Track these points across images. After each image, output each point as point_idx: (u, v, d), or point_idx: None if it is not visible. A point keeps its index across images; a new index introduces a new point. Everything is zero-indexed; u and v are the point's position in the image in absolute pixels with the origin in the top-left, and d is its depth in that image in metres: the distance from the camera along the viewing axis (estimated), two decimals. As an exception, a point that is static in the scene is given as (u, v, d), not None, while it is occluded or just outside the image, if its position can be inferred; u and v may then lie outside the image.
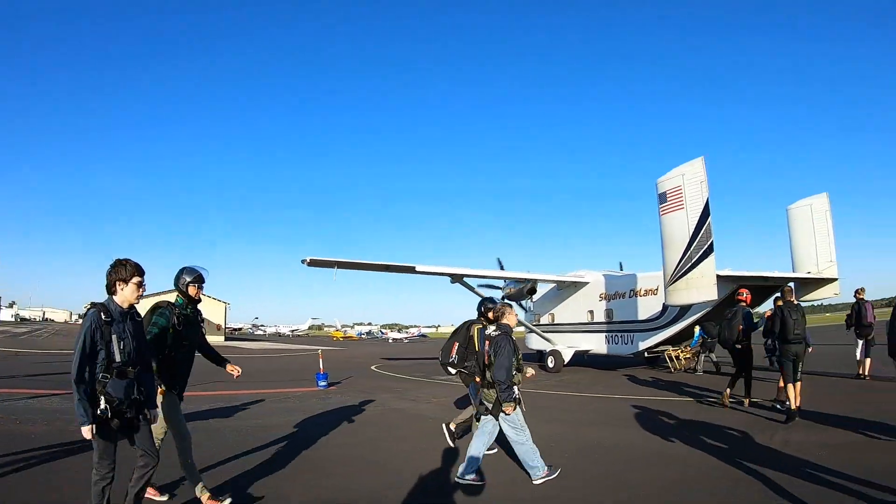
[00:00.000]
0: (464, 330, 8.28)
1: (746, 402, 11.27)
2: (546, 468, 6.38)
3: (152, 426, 4.68)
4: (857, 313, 14.87)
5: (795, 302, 10.92)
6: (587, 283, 22.07)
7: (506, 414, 6.40)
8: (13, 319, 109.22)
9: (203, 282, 5.74)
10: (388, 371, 23.22)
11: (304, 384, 17.22)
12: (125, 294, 4.45)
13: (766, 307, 16.31)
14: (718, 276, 15.05)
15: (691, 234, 14.74)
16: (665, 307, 17.85)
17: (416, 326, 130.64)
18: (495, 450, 7.61)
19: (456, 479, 6.43)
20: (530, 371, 7.33)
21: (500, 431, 6.68)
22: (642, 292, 19.52)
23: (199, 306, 5.84)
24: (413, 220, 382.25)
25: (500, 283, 24.70)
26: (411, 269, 18.88)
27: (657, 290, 18.17)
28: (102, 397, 4.11)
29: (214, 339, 58.52)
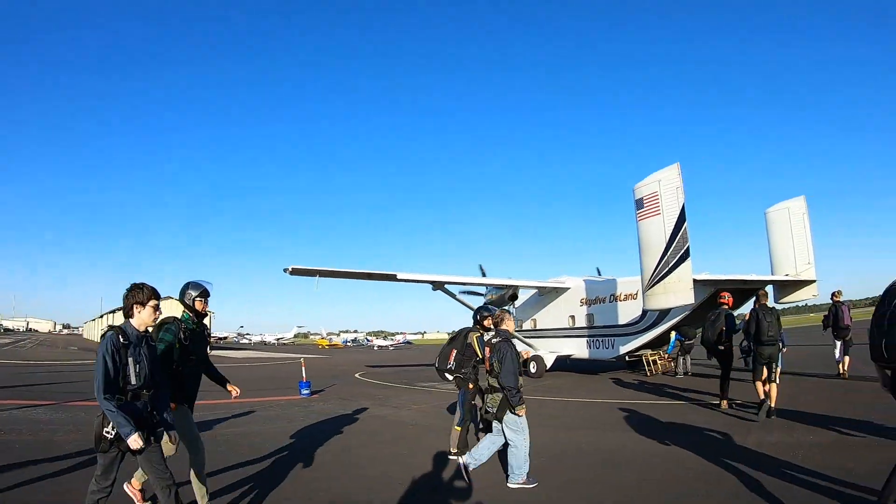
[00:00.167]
0: (461, 337, 8.47)
1: (724, 403, 11.54)
2: (526, 477, 6.51)
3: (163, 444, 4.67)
4: (835, 316, 15.13)
5: (770, 305, 11.20)
6: (568, 288, 22.27)
7: (518, 416, 6.57)
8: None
9: (208, 296, 5.76)
10: (372, 379, 23.21)
11: (288, 392, 17.22)
12: (142, 317, 4.52)
13: (748, 309, 16.55)
14: (696, 280, 15.27)
15: (668, 239, 14.95)
16: (644, 312, 18.02)
17: (401, 333, 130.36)
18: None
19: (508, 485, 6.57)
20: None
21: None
22: (622, 297, 19.71)
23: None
24: (396, 228, 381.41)
25: (482, 290, 24.82)
26: (392, 277, 18.94)
27: (636, 294, 18.34)
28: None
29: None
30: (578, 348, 21.38)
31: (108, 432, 4.17)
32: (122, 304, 4.56)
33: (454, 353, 8.40)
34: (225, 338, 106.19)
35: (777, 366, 10.96)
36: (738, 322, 12.10)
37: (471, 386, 8.25)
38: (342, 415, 12.50)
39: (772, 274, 18.69)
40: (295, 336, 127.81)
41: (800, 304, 24.71)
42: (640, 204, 15.77)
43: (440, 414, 12.37)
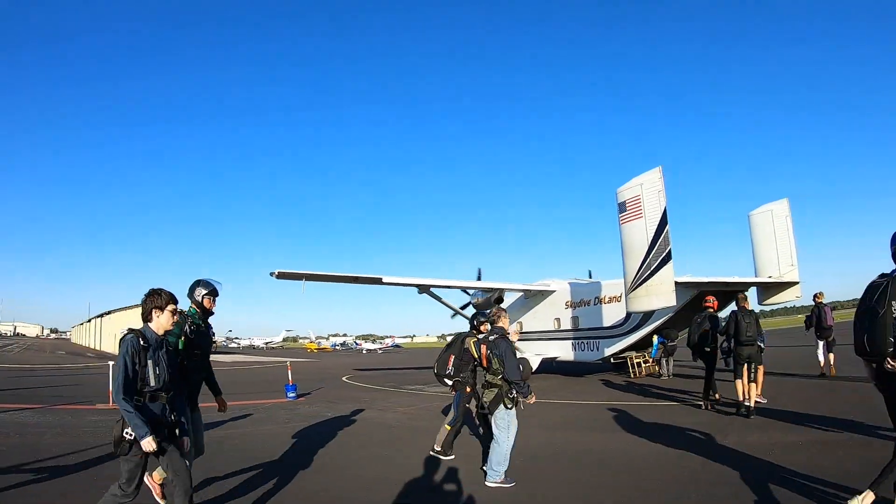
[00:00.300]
0: (458, 343, 8.68)
1: (704, 403, 11.80)
2: (505, 477, 6.63)
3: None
4: (818, 316, 15.37)
5: (748, 308, 11.47)
6: (553, 291, 22.43)
7: (529, 403, 6.86)
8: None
9: (217, 295, 5.92)
10: (359, 382, 23.23)
11: (274, 395, 17.22)
12: (161, 321, 4.60)
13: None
14: (679, 283, 15.47)
15: (650, 242, 15.12)
16: (629, 314, 18.20)
17: (390, 337, 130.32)
18: (452, 456, 7.90)
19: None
20: None
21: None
22: (606, 300, 19.88)
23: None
24: (382, 232, 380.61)
25: (469, 293, 24.96)
26: (378, 281, 19.03)
27: (621, 297, 18.45)
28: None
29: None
30: (564, 351, 21.53)
31: (127, 433, 4.22)
32: (140, 308, 4.65)
33: (452, 358, 8.59)
34: (214, 342, 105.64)
35: (758, 365, 11.18)
36: (723, 324, 12.33)
37: (468, 389, 8.43)
38: (327, 417, 12.58)
39: (755, 276, 18.86)
40: (284, 340, 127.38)
41: (788, 306, 24.88)
42: (622, 207, 15.93)
43: (425, 416, 12.47)
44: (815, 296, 15.64)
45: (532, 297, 23.23)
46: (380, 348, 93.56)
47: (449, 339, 9.41)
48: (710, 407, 11.60)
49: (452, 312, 24.47)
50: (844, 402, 11.02)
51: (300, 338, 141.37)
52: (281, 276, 18.32)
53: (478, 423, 8.79)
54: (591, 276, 24.70)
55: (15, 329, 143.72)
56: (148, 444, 4.16)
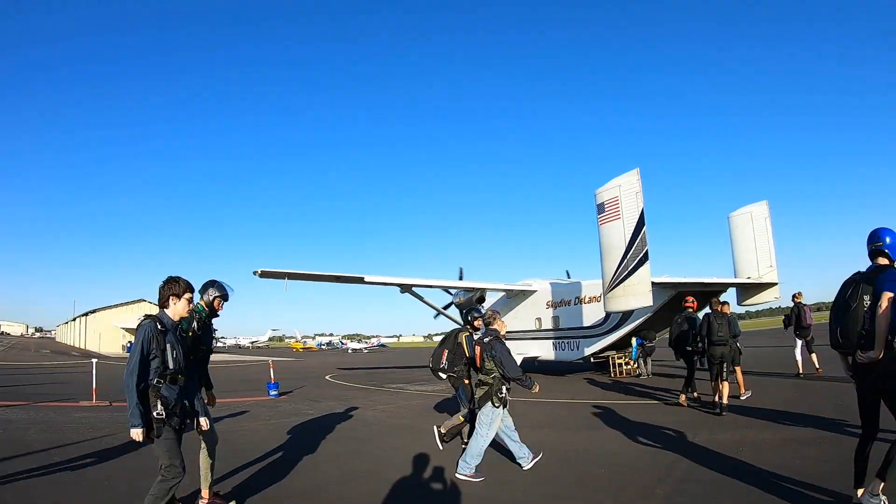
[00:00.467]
0: (452, 338, 9.02)
1: (682, 398, 12.11)
2: (475, 471, 6.81)
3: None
4: (797, 316, 15.56)
5: (722, 310, 11.89)
6: (535, 291, 22.60)
7: (533, 391, 7.24)
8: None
9: (227, 300, 6.19)
10: (342, 381, 23.35)
11: (257, 394, 17.33)
12: (177, 308, 4.80)
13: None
14: (656, 283, 15.71)
15: (627, 242, 15.31)
16: (608, 314, 18.37)
17: (376, 336, 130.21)
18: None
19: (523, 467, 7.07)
20: None
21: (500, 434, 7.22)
22: (587, 299, 20.07)
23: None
24: (363, 232, 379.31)
25: (451, 293, 25.10)
26: (360, 280, 19.11)
27: (600, 297, 18.56)
28: (158, 401, 4.42)
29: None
30: (545, 350, 21.72)
31: (158, 414, 4.39)
32: (158, 295, 4.82)
33: (446, 352, 8.91)
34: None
35: (733, 365, 11.71)
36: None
37: (466, 382, 8.73)
38: (307, 414, 12.71)
39: (734, 277, 19.11)
40: (270, 339, 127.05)
41: (773, 306, 25.10)
42: (601, 208, 16.12)
43: (405, 414, 12.65)
44: (793, 296, 15.85)
45: (514, 297, 23.38)
46: (365, 348, 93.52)
47: (436, 338, 9.69)
48: (688, 403, 11.87)
49: (435, 312, 24.59)
50: (819, 401, 11.23)
51: (286, 337, 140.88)
52: (264, 274, 18.38)
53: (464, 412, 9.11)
54: (569, 277, 24.88)
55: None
56: (136, 435, 4.32)
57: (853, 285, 4.92)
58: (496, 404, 7.00)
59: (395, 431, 10.29)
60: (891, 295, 4.60)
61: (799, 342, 15.79)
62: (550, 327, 21.60)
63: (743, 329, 16.72)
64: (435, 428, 8.58)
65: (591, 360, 20.60)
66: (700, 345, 11.93)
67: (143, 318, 4.60)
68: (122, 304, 79.16)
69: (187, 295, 4.84)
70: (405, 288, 20.78)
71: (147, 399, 4.40)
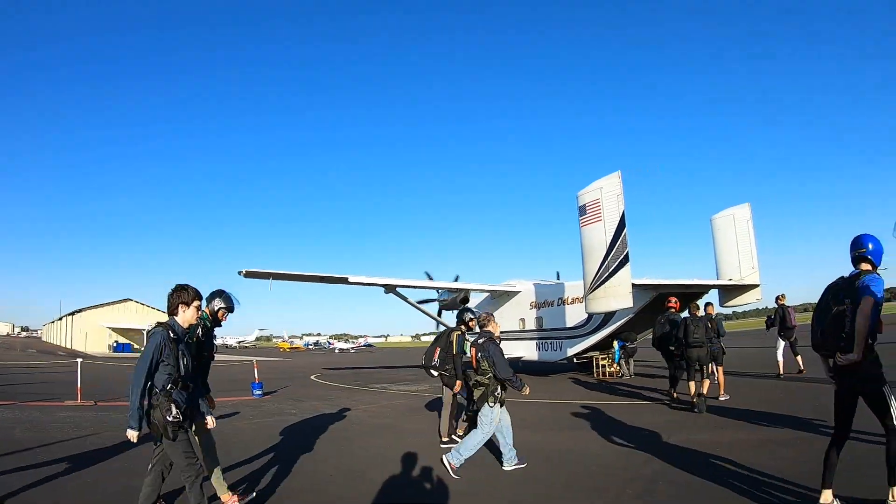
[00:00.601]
0: (444, 336, 9.33)
1: (674, 393, 12.60)
2: (459, 466, 7.00)
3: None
4: (782, 317, 15.80)
5: (699, 314, 12.20)
6: (518, 292, 22.76)
7: (523, 394, 7.42)
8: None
9: (232, 312, 6.41)
10: (327, 381, 23.42)
11: (241, 393, 17.37)
12: (186, 316, 4.92)
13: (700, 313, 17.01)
14: (637, 285, 15.90)
15: (608, 244, 15.48)
16: (590, 315, 18.50)
17: (363, 336, 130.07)
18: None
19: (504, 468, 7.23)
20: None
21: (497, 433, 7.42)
22: (570, 300, 20.22)
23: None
24: (347, 234, 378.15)
25: (434, 294, 25.22)
26: (344, 280, 19.18)
27: (583, 298, 18.77)
28: (173, 405, 4.54)
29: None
30: (529, 350, 21.88)
31: (174, 418, 4.52)
32: (167, 303, 4.94)
33: (438, 350, 9.17)
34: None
35: (713, 365, 12.38)
36: None
37: (459, 383, 9.00)
38: (290, 414, 12.81)
39: (717, 278, 19.30)
40: (257, 339, 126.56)
41: (759, 307, 25.26)
42: (582, 210, 16.28)
43: (387, 414, 12.76)
44: (777, 297, 16.09)
45: (498, 298, 23.53)
46: (352, 348, 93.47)
47: (424, 339, 9.93)
48: (672, 402, 12.19)
49: (437, 310, 24.88)
50: (797, 402, 11.38)
51: (274, 337, 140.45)
52: (248, 274, 18.41)
53: (464, 418, 9.43)
54: (558, 278, 25.04)
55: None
56: (132, 436, 4.47)
57: (836, 289, 5.06)
58: (492, 404, 7.21)
59: (377, 431, 10.41)
60: (872, 299, 4.70)
61: (782, 343, 16.01)
62: (534, 328, 21.76)
63: (728, 329, 16.92)
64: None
65: (575, 360, 20.74)
66: (673, 347, 12.27)
67: (155, 326, 4.74)
68: (108, 304, 78.79)
69: (196, 303, 4.98)
70: (389, 288, 20.89)
71: (157, 403, 4.53)
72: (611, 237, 15.46)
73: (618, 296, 15.38)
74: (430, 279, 24.80)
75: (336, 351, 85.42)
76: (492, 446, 7.76)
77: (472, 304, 24.60)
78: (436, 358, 9.11)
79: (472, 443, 7.10)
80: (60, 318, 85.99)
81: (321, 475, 7.17)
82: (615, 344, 19.01)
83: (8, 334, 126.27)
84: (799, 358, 15.72)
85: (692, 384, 11.47)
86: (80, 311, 77.89)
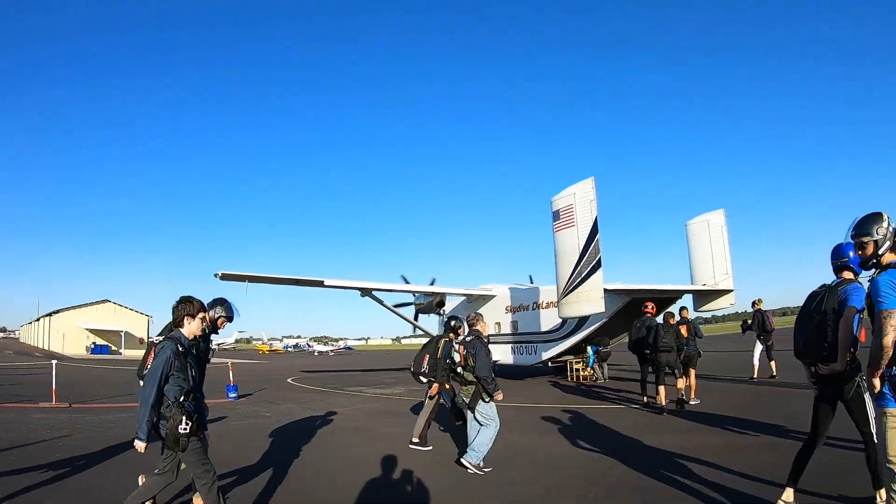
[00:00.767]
0: (433, 343, 9.51)
1: (646, 398, 12.94)
2: (482, 462, 7.25)
3: None
4: (761, 321, 15.98)
5: (672, 322, 12.49)
6: (494, 296, 22.98)
7: (496, 401, 7.53)
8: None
9: (231, 321, 6.56)
10: (303, 384, 23.36)
11: (216, 396, 17.29)
12: (191, 327, 5.00)
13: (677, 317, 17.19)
14: (610, 290, 16.16)
15: (581, 250, 15.75)
16: (564, 319, 18.74)
17: (343, 339, 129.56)
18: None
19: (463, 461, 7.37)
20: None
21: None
22: (544, 304, 20.46)
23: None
24: (363, 232, 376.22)
25: (411, 297, 25.33)
26: (320, 283, 19.26)
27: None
28: (184, 416, 4.61)
29: (136, 353, 57.06)
30: (504, 354, 22.03)
31: (183, 429, 4.59)
32: (172, 315, 5.02)
33: (427, 357, 9.31)
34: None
35: (688, 368, 12.73)
36: None
37: (446, 385, 9.34)
38: (263, 417, 12.86)
39: (692, 283, 19.54)
40: (236, 342, 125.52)
41: (738, 311, 25.58)
42: (556, 216, 16.52)
43: (360, 417, 12.86)
44: (753, 302, 16.34)
45: (474, 302, 23.73)
46: (332, 350, 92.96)
47: (404, 342, 10.10)
48: (649, 404, 12.49)
49: (413, 314, 24.96)
50: (768, 407, 11.58)
51: (253, 339, 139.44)
52: (224, 277, 18.42)
53: (451, 415, 9.75)
54: (532, 282, 25.23)
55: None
56: (140, 447, 4.55)
57: (818, 297, 5.08)
58: (486, 399, 7.45)
59: (350, 434, 10.53)
60: (855, 308, 4.72)
61: (759, 347, 16.25)
62: (509, 331, 21.98)
63: (706, 333, 17.14)
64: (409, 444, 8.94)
65: (550, 364, 20.99)
66: (648, 351, 12.53)
67: (163, 339, 4.86)
68: (86, 305, 77.78)
69: (201, 315, 5.07)
70: (365, 292, 20.97)
71: (170, 414, 4.60)
72: (584, 242, 15.74)
73: (590, 301, 15.62)
74: (407, 283, 24.91)
75: (315, 353, 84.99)
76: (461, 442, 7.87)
77: (447, 307, 24.81)
78: (425, 364, 9.25)
79: (486, 439, 7.32)
80: (38, 319, 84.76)
81: (297, 478, 7.23)
82: (589, 348, 19.20)
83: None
84: (773, 363, 16.00)
85: (661, 388, 11.68)
86: (57, 311, 76.75)
